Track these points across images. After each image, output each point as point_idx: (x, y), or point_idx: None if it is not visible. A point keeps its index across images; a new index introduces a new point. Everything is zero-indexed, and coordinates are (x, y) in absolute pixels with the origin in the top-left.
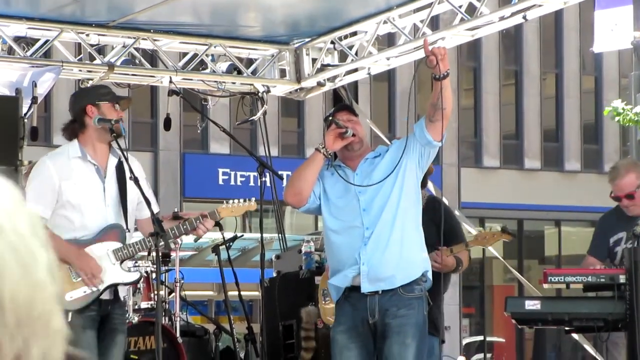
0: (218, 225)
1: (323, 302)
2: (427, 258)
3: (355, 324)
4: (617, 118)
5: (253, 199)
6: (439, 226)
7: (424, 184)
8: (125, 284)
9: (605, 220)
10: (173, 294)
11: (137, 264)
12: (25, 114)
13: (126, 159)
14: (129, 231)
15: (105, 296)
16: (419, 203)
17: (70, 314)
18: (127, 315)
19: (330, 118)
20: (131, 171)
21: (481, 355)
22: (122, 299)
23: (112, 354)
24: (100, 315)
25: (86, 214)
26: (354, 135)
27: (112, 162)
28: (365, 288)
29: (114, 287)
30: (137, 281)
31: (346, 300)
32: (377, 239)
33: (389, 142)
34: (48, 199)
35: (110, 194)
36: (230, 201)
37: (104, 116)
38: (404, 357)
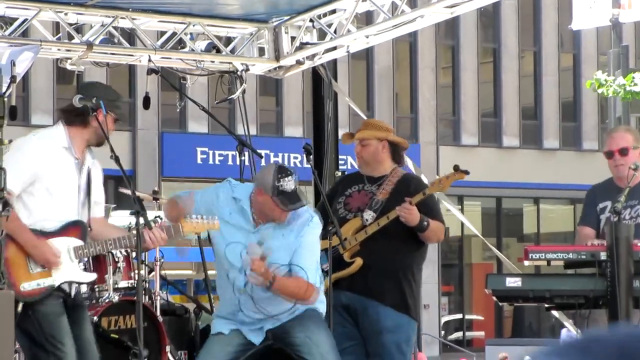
0: None
1: None
2: None
3: None
4: (599, 90)
5: (216, 219)
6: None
7: (400, 162)
8: (80, 284)
9: (594, 190)
10: (153, 273)
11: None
12: (4, 93)
13: (107, 138)
14: (91, 230)
15: (66, 287)
16: None
17: (42, 301)
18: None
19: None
20: (112, 150)
21: (460, 333)
22: (78, 295)
23: (86, 328)
24: (65, 300)
25: (59, 204)
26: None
27: (89, 160)
28: None
29: (76, 285)
30: (93, 283)
31: None
32: None
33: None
34: (22, 177)
35: (82, 189)
36: (194, 216)
37: (104, 125)
38: None
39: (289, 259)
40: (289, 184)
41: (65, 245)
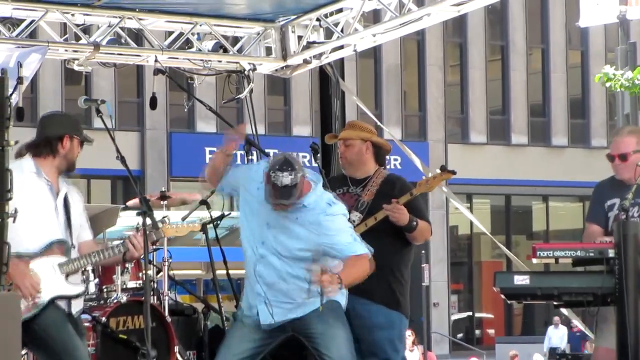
0: (206, 204)
1: None
2: None
3: None
4: (608, 84)
5: (197, 222)
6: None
7: (382, 164)
8: (69, 297)
9: (600, 187)
10: (161, 273)
11: (85, 278)
12: (10, 95)
13: (113, 139)
14: (74, 247)
15: (62, 305)
16: None
17: (41, 314)
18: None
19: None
20: (118, 151)
21: (470, 331)
22: (74, 315)
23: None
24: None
25: (37, 226)
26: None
27: (63, 186)
28: None
29: (67, 301)
30: (81, 294)
31: None
32: None
33: (375, 119)
34: None
35: (60, 211)
36: (175, 222)
37: (71, 150)
38: None
39: (308, 241)
40: (280, 178)
41: (50, 264)
